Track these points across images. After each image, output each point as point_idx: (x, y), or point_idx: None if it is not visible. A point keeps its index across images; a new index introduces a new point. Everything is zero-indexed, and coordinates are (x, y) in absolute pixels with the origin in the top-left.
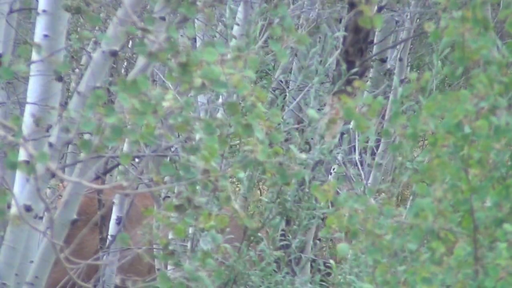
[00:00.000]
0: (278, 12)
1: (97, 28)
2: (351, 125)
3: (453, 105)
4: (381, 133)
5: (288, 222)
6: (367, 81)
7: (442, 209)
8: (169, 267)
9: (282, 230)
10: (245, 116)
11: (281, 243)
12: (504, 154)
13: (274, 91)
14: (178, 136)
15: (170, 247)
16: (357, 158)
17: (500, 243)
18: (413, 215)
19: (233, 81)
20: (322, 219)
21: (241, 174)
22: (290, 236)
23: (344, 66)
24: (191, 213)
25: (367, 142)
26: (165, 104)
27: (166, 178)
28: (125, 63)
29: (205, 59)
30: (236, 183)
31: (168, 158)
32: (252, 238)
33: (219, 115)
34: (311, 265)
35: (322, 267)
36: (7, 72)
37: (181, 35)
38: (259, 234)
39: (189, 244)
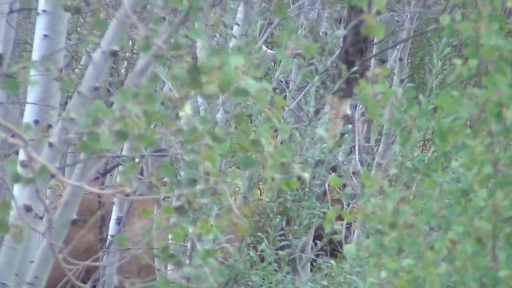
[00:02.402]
0: (280, 13)
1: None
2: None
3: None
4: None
5: (288, 222)
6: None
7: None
8: (169, 267)
9: (282, 229)
10: (251, 125)
11: (282, 243)
12: None
13: (273, 90)
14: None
15: (170, 248)
16: (357, 158)
17: None
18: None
19: (253, 91)
20: (322, 218)
21: (240, 182)
22: (291, 236)
23: (344, 66)
24: (188, 218)
25: (380, 132)
26: (182, 114)
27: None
28: (125, 63)
29: (229, 64)
30: None
31: (169, 159)
32: (252, 238)
33: (219, 115)
34: (312, 264)
35: (323, 267)
36: (13, 84)
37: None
38: (259, 234)
39: (189, 244)
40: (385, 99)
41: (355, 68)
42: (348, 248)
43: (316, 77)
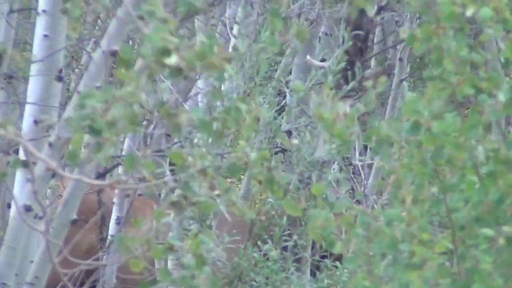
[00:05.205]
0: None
1: (97, 28)
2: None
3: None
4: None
5: (293, 222)
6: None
7: (413, 217)
8: (168, 266)
9: (287, 229)
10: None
11: (287, 243)
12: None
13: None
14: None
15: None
16: (357, 159)
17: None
18: (385, 224)
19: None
20: None
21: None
22: (296, 236)
23: (359, 66)
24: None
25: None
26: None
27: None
28: None
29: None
30: (237, 183)
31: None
32: (257, 237)
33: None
34: (316, 264)
35: (329, 266)
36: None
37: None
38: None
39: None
40: (350, 119)
41: (369, 71)
42: (348, 259)
43: (330, 77)
